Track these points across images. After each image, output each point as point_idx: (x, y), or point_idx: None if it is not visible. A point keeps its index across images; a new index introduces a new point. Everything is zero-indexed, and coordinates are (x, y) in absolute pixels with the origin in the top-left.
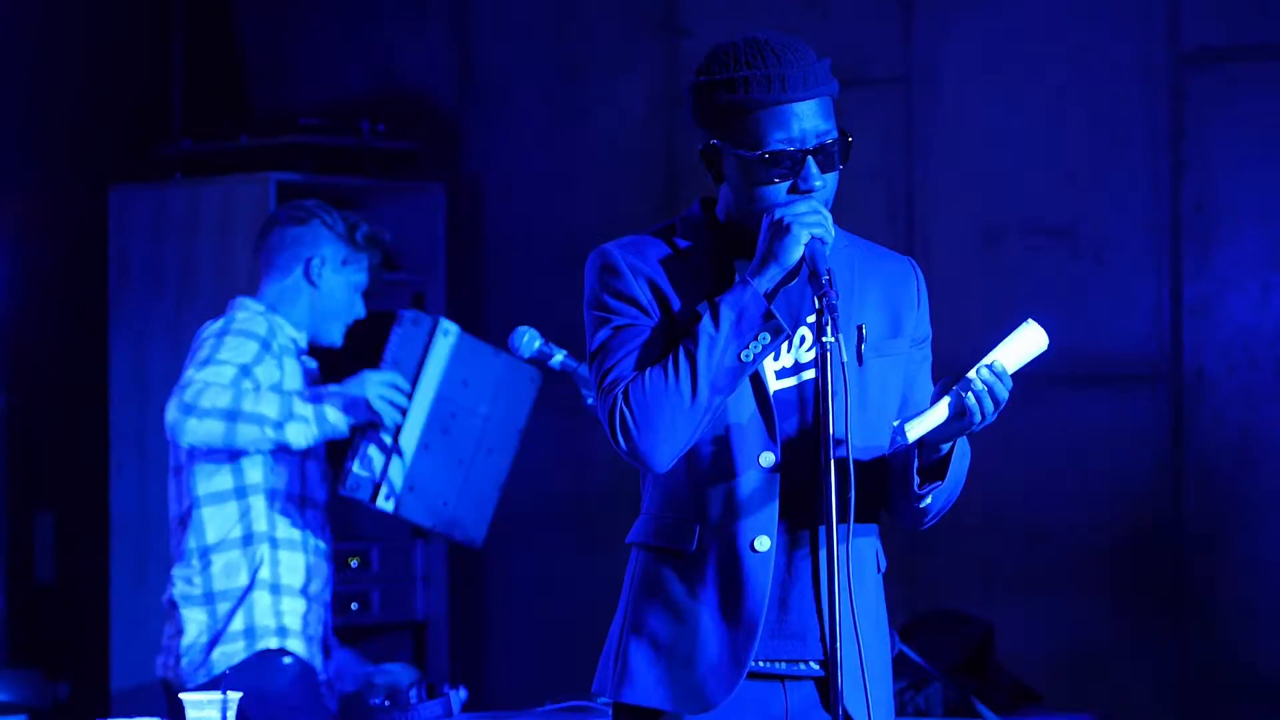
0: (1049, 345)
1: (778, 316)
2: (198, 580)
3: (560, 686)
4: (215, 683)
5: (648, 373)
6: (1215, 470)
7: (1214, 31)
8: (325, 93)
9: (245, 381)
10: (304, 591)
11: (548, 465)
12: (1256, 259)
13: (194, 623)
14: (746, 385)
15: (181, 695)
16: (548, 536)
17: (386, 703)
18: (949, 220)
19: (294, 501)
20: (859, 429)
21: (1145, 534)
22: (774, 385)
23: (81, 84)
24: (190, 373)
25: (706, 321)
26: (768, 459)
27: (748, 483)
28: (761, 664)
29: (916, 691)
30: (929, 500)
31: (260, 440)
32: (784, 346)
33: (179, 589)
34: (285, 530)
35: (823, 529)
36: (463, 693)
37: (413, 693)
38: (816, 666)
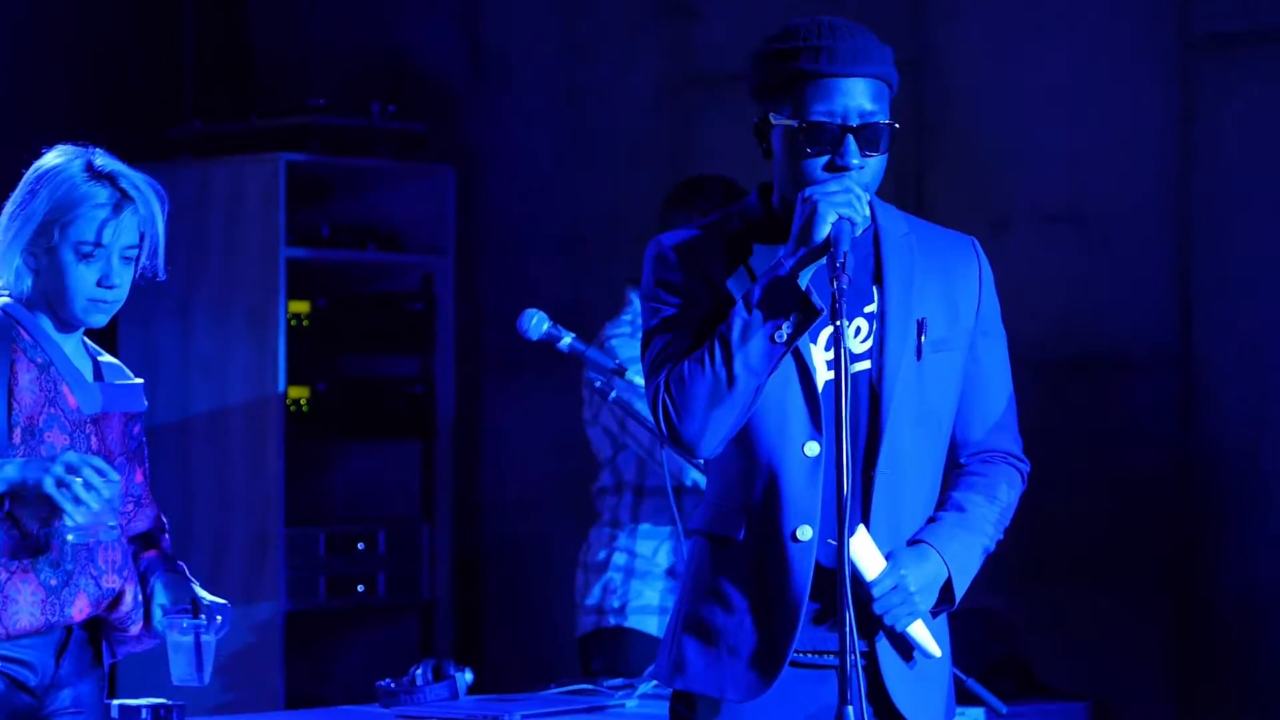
0: (1057, 330)
1: (813, 296)
2: None
3: (566, 670)
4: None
5: (686, 359)
6: (1223, 457)
7: (1224, 17)
8: (335, 73)
9: None
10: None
11: (553, 448)
12: (1266, 246)
13: None
14: (795, 375)
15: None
16: (554, 519)
17: (393, 684)
18: (957, 205)
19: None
20: (914, 428)
21: (1152, 520)
22: (823, 376)
23: (91, 65)
24: None
25: (740, 305)
26: (813, 449)
27: (793, 472)
28: (810, 655)
29: None
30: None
31: None
32: (830, 335)
33: None
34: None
35: (852, 523)
36: (469, 675)
37: (419, 674)
38: (860, 657)
